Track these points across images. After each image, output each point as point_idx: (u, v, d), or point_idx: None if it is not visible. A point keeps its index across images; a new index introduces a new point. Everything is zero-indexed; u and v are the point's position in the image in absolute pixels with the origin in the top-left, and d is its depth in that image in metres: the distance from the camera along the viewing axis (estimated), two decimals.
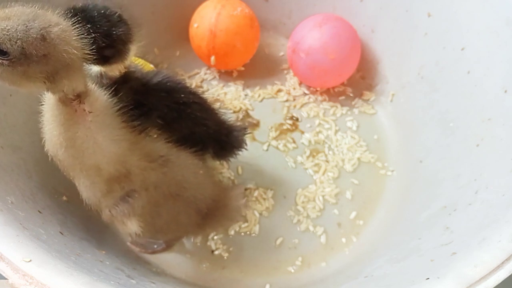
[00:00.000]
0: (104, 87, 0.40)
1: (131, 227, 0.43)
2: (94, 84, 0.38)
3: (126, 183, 0.41)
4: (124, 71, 0.46)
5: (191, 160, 0.46)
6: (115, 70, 0.46)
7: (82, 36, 0.34)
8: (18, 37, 0.31)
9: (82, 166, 0.39)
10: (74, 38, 0.33)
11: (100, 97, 0.38)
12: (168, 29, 0.77)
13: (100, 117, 0.38)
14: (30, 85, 0.34)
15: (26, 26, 0.31)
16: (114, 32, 0.42)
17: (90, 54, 0.35)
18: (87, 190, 0.41)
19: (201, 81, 0.75)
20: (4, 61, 0.31)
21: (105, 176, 0.40)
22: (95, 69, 0.45)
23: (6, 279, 0.34)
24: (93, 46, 0.35)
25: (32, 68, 0.32)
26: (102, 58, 0.42)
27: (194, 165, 0.47)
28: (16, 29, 0.31)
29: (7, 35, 0.30)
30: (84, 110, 0.37)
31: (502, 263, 0.36)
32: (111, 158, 0.39)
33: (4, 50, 0.31)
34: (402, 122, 0.69)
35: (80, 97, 0.36)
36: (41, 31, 0.31)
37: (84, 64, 0.36)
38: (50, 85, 0.34)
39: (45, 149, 0.39)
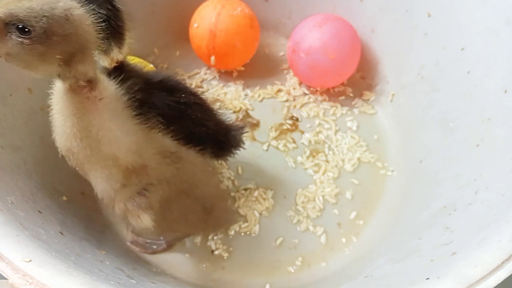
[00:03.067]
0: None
1: (145, 221, 0.43)
2: (102, 73, 0.39)
3: (143, 176, 0.41)
4: (116, 65, 0.46)
5: (199, 158, 0.47)
6: (104, 60, 0.45)
7: (96, 21, 0.35)
8: (44, 14, 0.31)
9: (100, 156, 0.39)
10: (91, 22, 0.35)
11: (110, 85, 0.38)
12: (168, 29, 0.77)
13: (113, 104, 0.38)
14: (44, 68, 0.34)
15: (51, 6, 0.32)
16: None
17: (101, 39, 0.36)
18: (103, 181, 0.41)
19: (201, 81, 0.75)
20: (25, 40, 0.31)
21: (123, 167, 0.40)
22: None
23: (6, 279, 0.34)
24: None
25: (51, 48, 0.32)
26: None
27: (202, 162, 0.47)
28: (42, 7, 0.31)
29: (31, 13, 0.31)
30: (96, 97, 0.37)
31: (502, 263, 0.36)
32: (128, 147, 0.39)
33: (28, 28, 0.31)
34: (402, 122, 0.69)
35: (91, 83, 0.36)
36: (65, 11, 0.32)
37: (95, 49, 0.36)
38: (64, 69, 0.34)
39: (56, 144, 0.39)
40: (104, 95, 0.37)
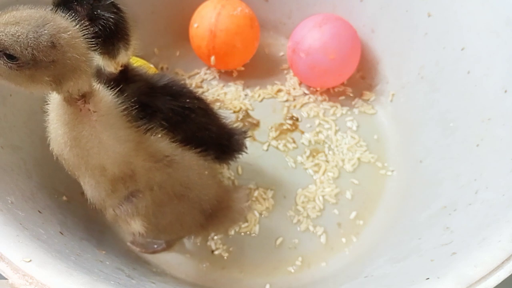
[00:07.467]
0: (111, 86, 0.40)
1: (135, 226, 0.43)
2: (99, 84, 0.39)
3: (130, 183, 0.41)
4: (120, 69, 0.46)
5: (196, 161, 0.46)
6: (110, 65, 0.45)
7: (89, 38, 0.34)
8: (29, 44, 0.30)
9: (87, 165, 0.39)
10: (82, 44, 0.33)
11: (105, 97, 0.38)
12: (168, 29, 0.77)
13: (105, 117, 0.38)
14: (36, 87, 0.34)
15: (37, 33, 0.30)
16: (100, 16, 0.41)
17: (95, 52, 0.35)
18: (92, 189, 0.41)
19: (201, 81, 0.75)
20: (12, 65, 0.31)
21: (110, 176, 0.40)
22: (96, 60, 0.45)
23: (6, 279, 0.34)
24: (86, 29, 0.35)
25: (39, 72, 0.32)
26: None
27: (199, 165, 0.47)
28: (27, 35, 0.30)
29: (17, 41, 0.30)
30: (89, 110, 0.37)
31: (502, 263, 0.36)
32: (115, 158, 0.39)
33: (14, 55, 0.30)
34: (402, 122, 0.69)
35: (85, 97, 0.36)
36: (51, 38, 0.31)
37: (89, 66, 0.36)
38: (56, 87, 0.34)
39: (50, 148, 0.39)
40: (98, 108, 0.37)
